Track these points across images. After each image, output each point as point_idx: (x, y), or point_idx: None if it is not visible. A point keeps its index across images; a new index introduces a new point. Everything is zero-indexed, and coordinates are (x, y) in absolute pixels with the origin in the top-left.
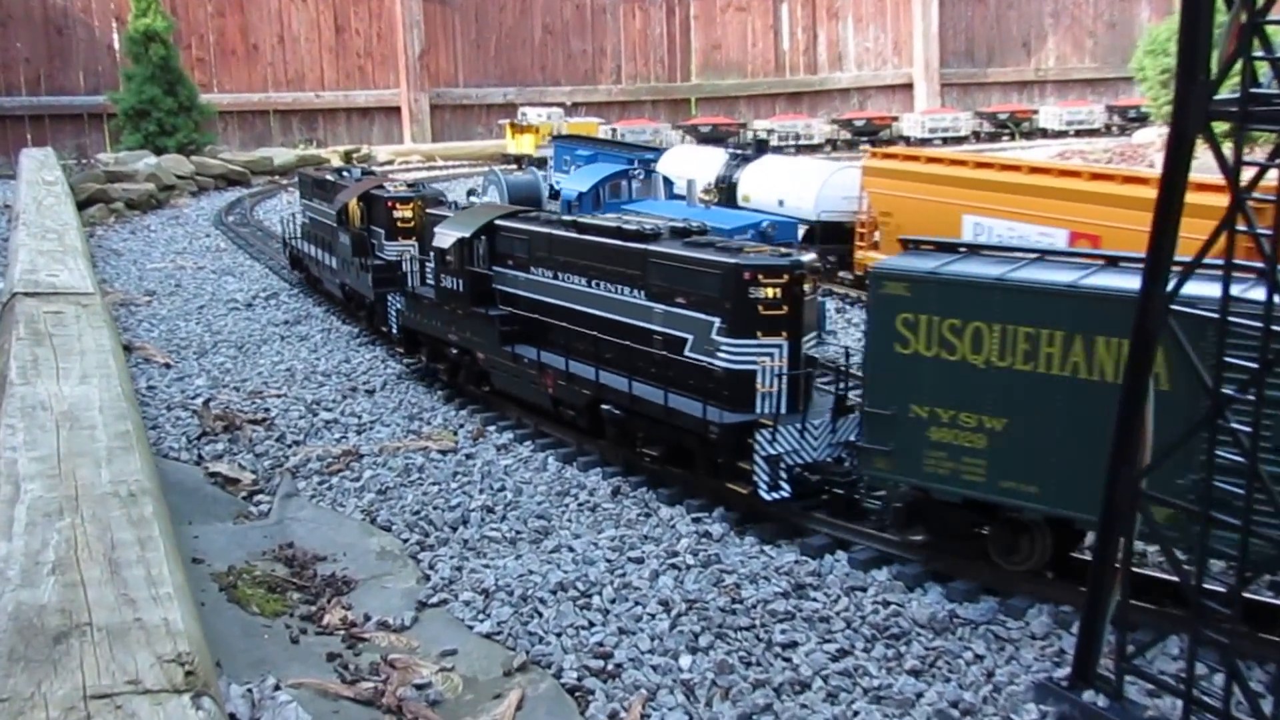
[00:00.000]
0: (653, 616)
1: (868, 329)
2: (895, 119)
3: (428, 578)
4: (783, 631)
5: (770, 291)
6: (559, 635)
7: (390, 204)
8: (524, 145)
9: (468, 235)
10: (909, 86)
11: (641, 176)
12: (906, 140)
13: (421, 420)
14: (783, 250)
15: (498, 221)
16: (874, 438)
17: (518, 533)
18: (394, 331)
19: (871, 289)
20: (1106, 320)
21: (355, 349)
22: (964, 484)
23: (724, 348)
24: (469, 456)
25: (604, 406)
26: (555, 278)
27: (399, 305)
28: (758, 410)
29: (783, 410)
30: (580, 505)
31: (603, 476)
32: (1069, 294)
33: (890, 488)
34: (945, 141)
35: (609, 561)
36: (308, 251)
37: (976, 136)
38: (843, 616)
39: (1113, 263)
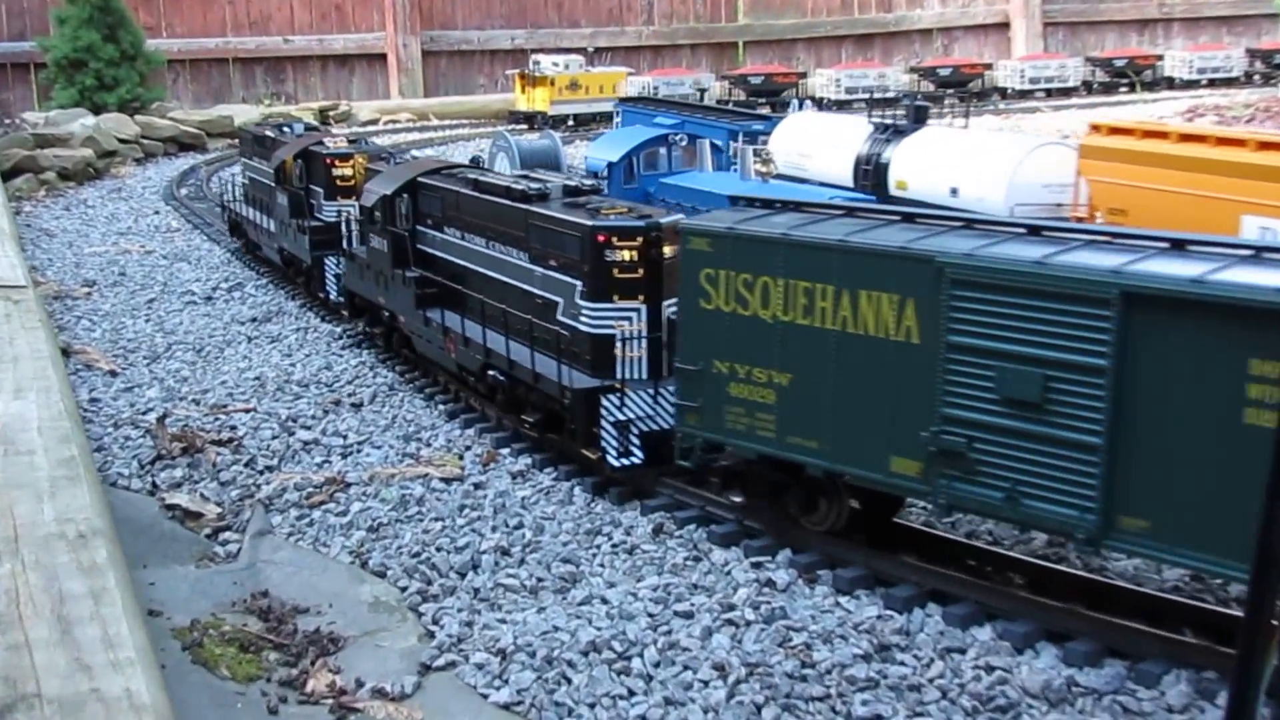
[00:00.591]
0: (705, 684)
1: (680, 285)
2: (988, 67)
3: (431, 635)
4: (864, 703)
5: (626, 254)
6: (592, 706)
7: (329, 161)
8: (537, 101)
9: (389, 193)
10: (1004, 26)
11: (684, 144)
12: (1002, 93)
13: (420, 441)
14: (646, 211)
15: (420, 179)
16: (684, 394)
17: (539, 580)
18: (331, 297)
19: (681, 245)
20: (869, 275)
21: (337, 353)
22: (758, 440)
23: (585, 311)
24: (478, 486)
25: (490, 371)
26: (462, 238)
27: (338, 269)
28: (618, 375)
29: (642, 376)
30: (615, 546)
31: (642, 512)
32: (837, 249)
33: (696, 444)
34: (1050, 94)
35: (651, 616)
36: (246, 215)
37: (1088, 88)
38: (937, 684)
39: (959, 224)
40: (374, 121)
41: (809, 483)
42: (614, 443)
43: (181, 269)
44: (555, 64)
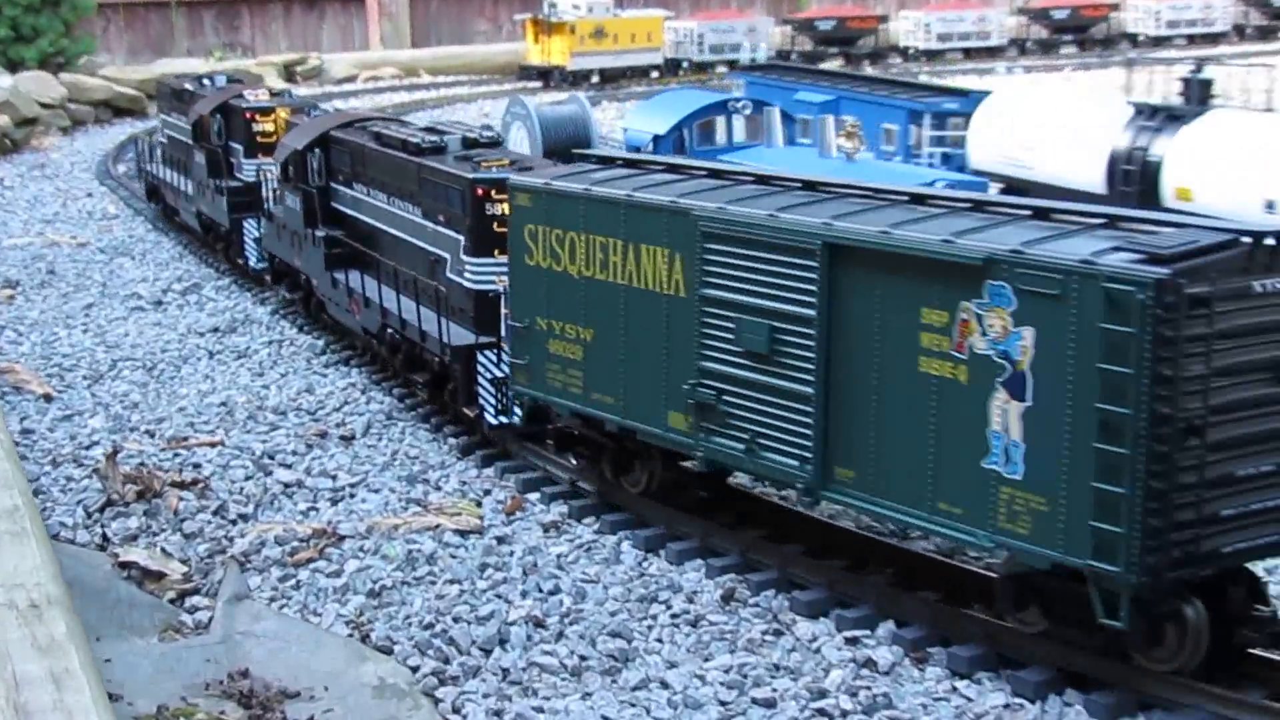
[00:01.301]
0: None
1: (509, 242)
2: (1114, 8)
3: None
4: None
5: (506, 208)
6: None
7: (249, 115)
8: (553, 53)
9: (300, 148)
10: None
11: (748, 111)
12: (1132, 39)
13: (428, 483)
14: (532, 164)
15: (333, 132)
16: (515, 351)
17: (583, 659)
18: (251, 264)
19: (510, 200)
20: (647, 230)
21: (320, 372)
22: (570, 397)
23: (469, 267)
24: (502, 540)
25: (388, 330)
26: (369, 195)
27: (258, 232)
28: (502, 333)
29: None
30: (675, 617)
31: (707, 574)
32: (623, 204)
33: (525, 403)
34: (1191, 40)
35: (723, 705)
36: (164, 177)
37: (1239, 33)
38: None
39: (763, 181)
40: (351, 79)
41: (618, 440)
42: (492, 400)
43: (124, 266)
44: (576, 6)
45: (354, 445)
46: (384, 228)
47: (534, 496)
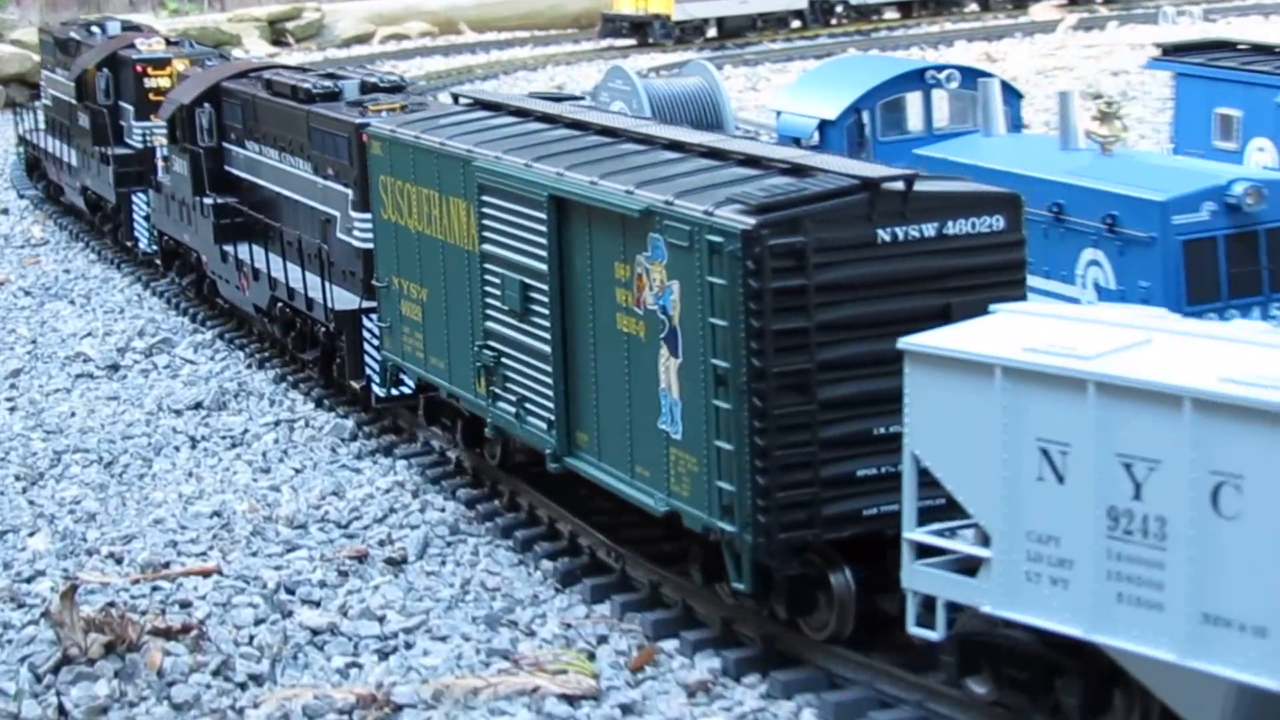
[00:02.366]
0: None
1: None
2: None
3: None
4: None
5: None
6: None
7: (140, 68)
8: (655, 0)
9: (187, 102)
10: None
11: (954, 85)
12: None
13: (516, 626)
14: (422, 104)
15: (225, 83)
16: (381, 314)
17: None
18: (141, 247)
19: (366, 150)
20: (452, 180)
21: (350, 463)
22: (415, 361)
23: (357, 223)
24: (628, 710)
25: (278, 303)
26: (261, 153)
27: (149, 208)
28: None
29: None
30: None
31: None
32: (437, 152)
33: (390, 369)
34: None
35: None
36: (45, 146)
37: None
38: None
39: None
40: (364, 38)
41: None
42: (378, 369)
43: (60, 314)
44: None
45: (406, 572)
46: (278, 189)
47: (670, 645)
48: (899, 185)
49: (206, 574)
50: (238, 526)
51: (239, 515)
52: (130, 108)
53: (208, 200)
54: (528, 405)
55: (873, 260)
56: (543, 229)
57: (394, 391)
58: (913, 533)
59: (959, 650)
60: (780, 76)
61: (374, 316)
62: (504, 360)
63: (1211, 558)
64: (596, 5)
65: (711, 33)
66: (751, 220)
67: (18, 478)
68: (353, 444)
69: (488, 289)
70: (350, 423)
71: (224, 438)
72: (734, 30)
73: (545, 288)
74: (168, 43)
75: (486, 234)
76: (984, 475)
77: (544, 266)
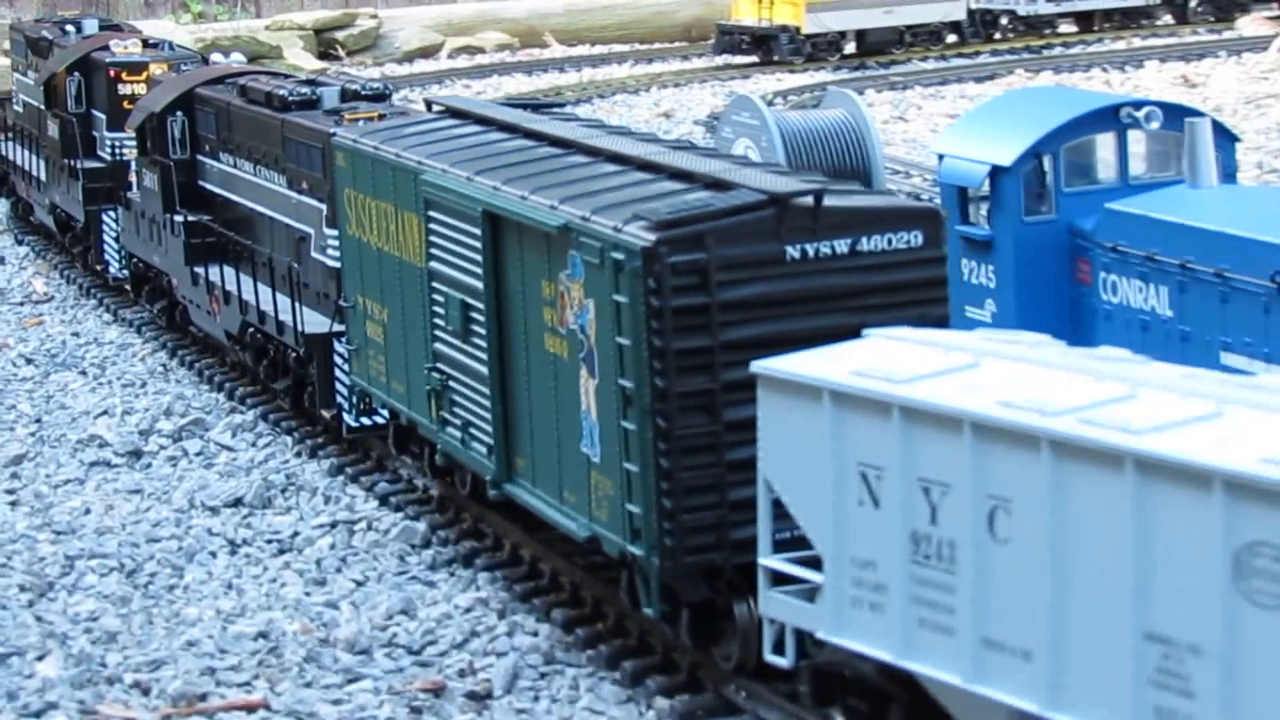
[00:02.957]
0: None
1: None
2: None
3: None
4: None
5: None
6: None
7: (113, 73)
8: (778, 4)
9: (157, 110)
10: None
11: (1155, 126)
12: None
13: None
14: (403, 120)
15: (199, 89)
16: (349, 336)
17: None
18: (112, 271)
19: (332, 162)
20: (405, 193)
21: (423, 575)
22: (380, 386)
23: (330, 240)
24: None
25: (249, 329)
26: (235, 166)
27: (118, 227)
28: None
29: None
30: None
31: None
32: (391, 163)
33: (359, 395)
34: None
35: None
36: (14, 159)
37: None
38: None
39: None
40: (430, 50)
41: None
42: (350, 397)
43: (71, 387)
44: None
45: (492, 709)
46: (252, 205)
47: None
48: (809, 200)
49: (251, 708)
50: (288, 651)
51: (289, 637)
52: (103, 116)
53: (178, 218)
54: (471, 430)
55: (781, 278)
56: (479, 245)
57: (365, 421)
58: (766, 559)
59: (812, 680)
60: (933, 104)
61: (344, 339)
62: (450, 383)
63: (988, 581)
64: (710, 13)
65: (849, 48)
66: (652, 237)
67: (23, 588)
68: (425, 552)
69: (435, 308)
70: (422, 526)
71: (270, 542)
72: (876, 46)
73: (483, 307)
74: (146, 45)
75: (433, 250)
76: (817, 500)
77: (480, 285)
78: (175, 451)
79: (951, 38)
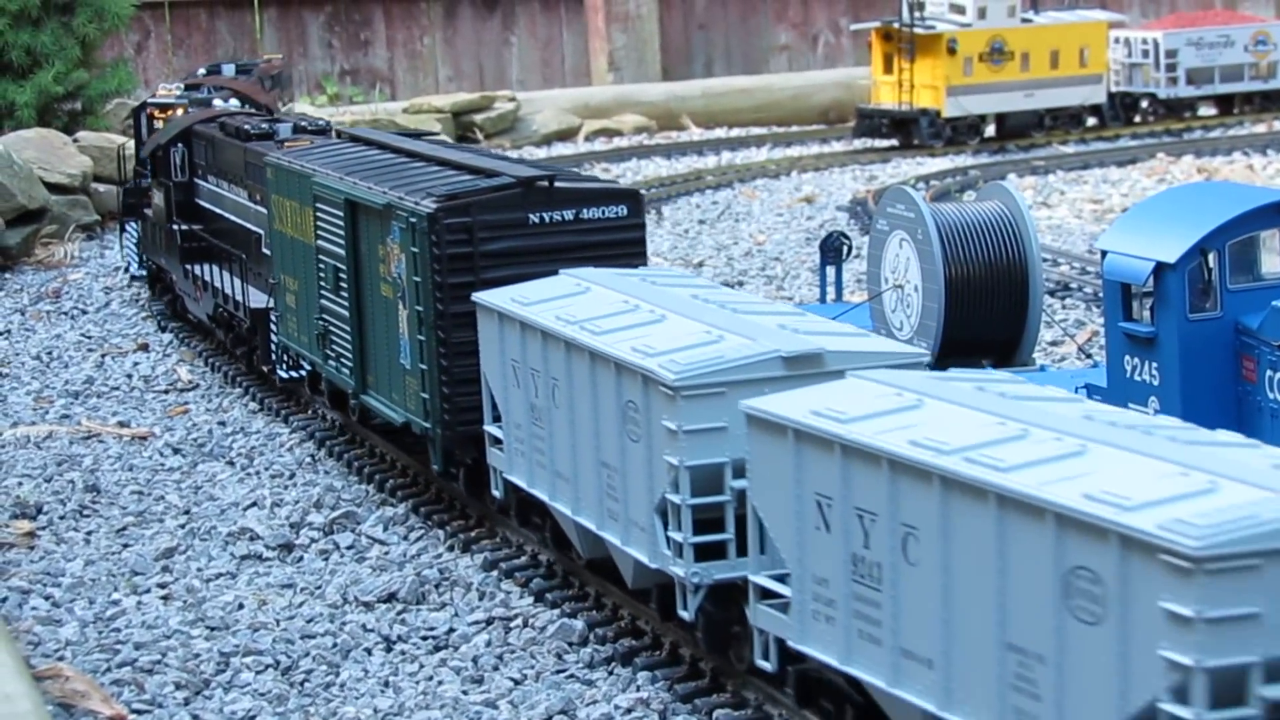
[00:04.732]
0: None
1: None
2: None
3: None
4: None
5: None
6: None
7: (151, 113)
8: (919, 87)
9: (163, 142)
10: None
11: None
12: None
13: None
14: (327, 148)
15: (197, 126)
16: (276, 306)
17: None
18: (132, 270)
19: (265, 176)
20: (304, 194)
21: (582, 674)
22: (294, 340)
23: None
24: None
25: (219, 309)
26: (218, 186)
27: (138, 234)
28: None
29: None
30: None
31: None
32: (298, 173)
33: (283, 351)
34: None
35: None
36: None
37: None
38: None
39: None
40: (568, 134)
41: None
42: (279, 353)
43: (218, 478)
44: (959, 6)
45: None
46: (228, 216)
47: None
48: (546, 183)
49: None
50: None
51: None
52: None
53: (176, 226)
54: (341, 359)
55: (525, 236)
56: (343, 224)
57: (294, 374)
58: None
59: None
60: (1076, 189)
61: (274, 312)
62: (329, 328)
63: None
64: (848, 96)
65: (989, 131)
66: (435, 206)
67: (178, 686)
68: (583, 650)
69: (320, 274)
70: (579, 624)
71: (425, 638)
72: (1017, 129)
73: (345, 269)
74: (184, 87)
75: (319, 232)
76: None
77: (344, 252)
78: (327, 545)
79: (1091, 120)
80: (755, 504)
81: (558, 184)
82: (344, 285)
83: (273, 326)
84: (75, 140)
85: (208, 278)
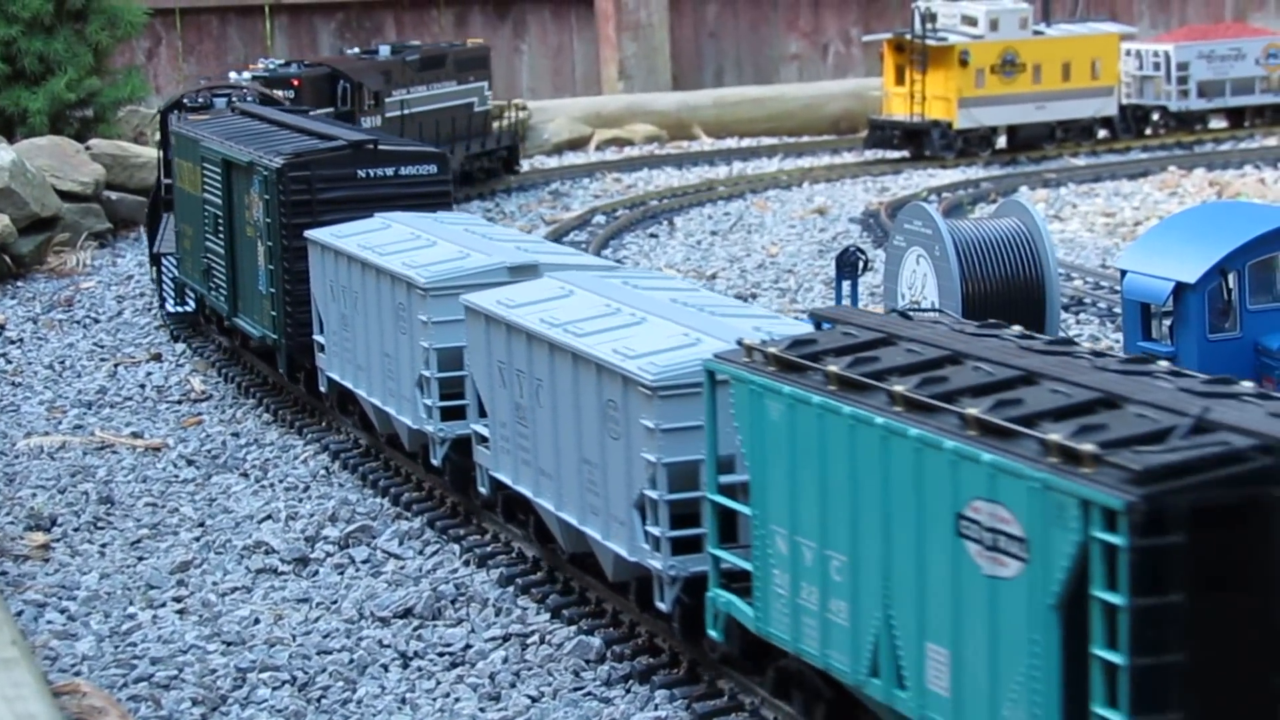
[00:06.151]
0: None
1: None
2: None
3: None
4: None
5: None
6: None
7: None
8: (931, 99)
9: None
10: None
11: None
12: None
13: None
14: (223, 117)
15: (172, 126)
16: (177, 251)
17: None
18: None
19: (170, 141)
20: (198, 156)
21: (600, 693)
22: (189, 276)
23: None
24: None
25: (154, 256)
26: (176, 158)
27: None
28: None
29: None
30: None
31: None
32: (192, 139)
33: (178, 287)
34: None
35: None
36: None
37: None
38: None
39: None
40: (580, 143)
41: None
42: (172, 294)
43: (233, 490)
44: (970, 19)
45: None
46: (174, 184)
47: None
48: (371, 145)
49: None
50: None
51: None
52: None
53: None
54: (220, 289)
55: (354, 187)
56: (220, 179)
57: (180, 308)
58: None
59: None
60: (1087, 202)
61: (171, 258)
62: (211, 264)
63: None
64: (859, 106)
65: (1001, 143)
66: (281, 161)
67: (195, 702)
68: (600, 667)
69: (205, 220)
70: (597, 641)
71: (441, 654)
72: (1028, 141)
73: (222, 215)
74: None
75: (205, 186)
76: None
77: (222, 202)
78: (342, 559)
79: (1103, 133)
80: (471, 373)
81: (380, 147)
82: (221, 228)
83: (167, 268)
84: (88, 148)
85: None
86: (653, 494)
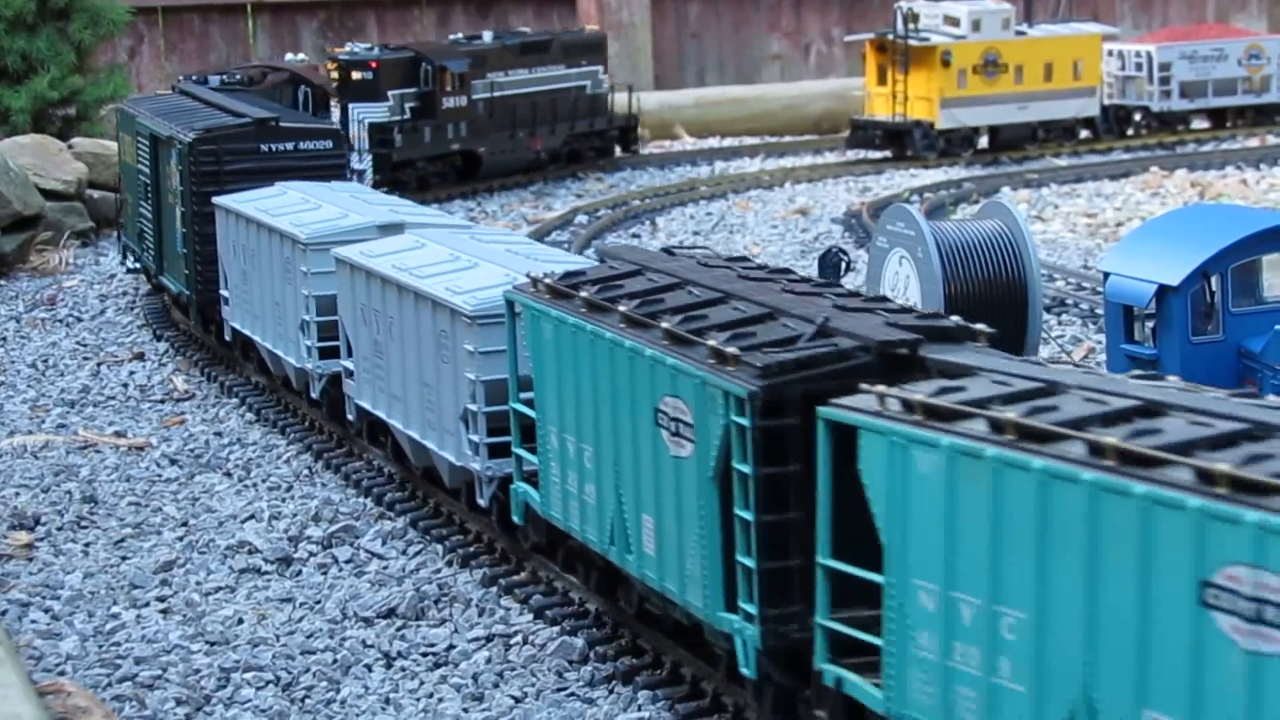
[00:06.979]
0: None
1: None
2: None
3: None
4: None
5: None
6: None
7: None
8: (914, 98)
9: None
10: None
11: None
12: None
13: None
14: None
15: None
16: (124, 215)
17: None
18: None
19: (118, 120)
20: (137, 132)
21: (579, 690)
22: (131, 239)
23: None
24: None
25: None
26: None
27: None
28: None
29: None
30: None
31: None
32: (133, 116)
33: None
34: None
35: None
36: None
37: None
38: None
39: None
40: None
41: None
42: (123, 251)
43: (216, 489)
44: (952, 19)
45: None
46: None
47: None
48: (275, 122)
49: None
50: None
51: None
52: None
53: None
54: (150, 250)
55: (259, 159)
56: (149, 152)
57: (133, 266)
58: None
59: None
60: (1069, 203)
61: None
62: (143, 228)
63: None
64: (841, 106)
65: (983, 143)
66: (193, 136)
67: (179, 702)
68: (583, 668)
69: (138, 189)
70: (579, 641)
71: (425, 655)
72: (1010, 142)
73: (150, 184)
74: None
75: (139, 158)
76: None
77: (150, 172)
78: (325, 559)
79: (1085, 133)
80: (342, 317)
81: (282, 124)
82: (150, 196)
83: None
84: (70, 146)
85: None
86: (473, 407)
